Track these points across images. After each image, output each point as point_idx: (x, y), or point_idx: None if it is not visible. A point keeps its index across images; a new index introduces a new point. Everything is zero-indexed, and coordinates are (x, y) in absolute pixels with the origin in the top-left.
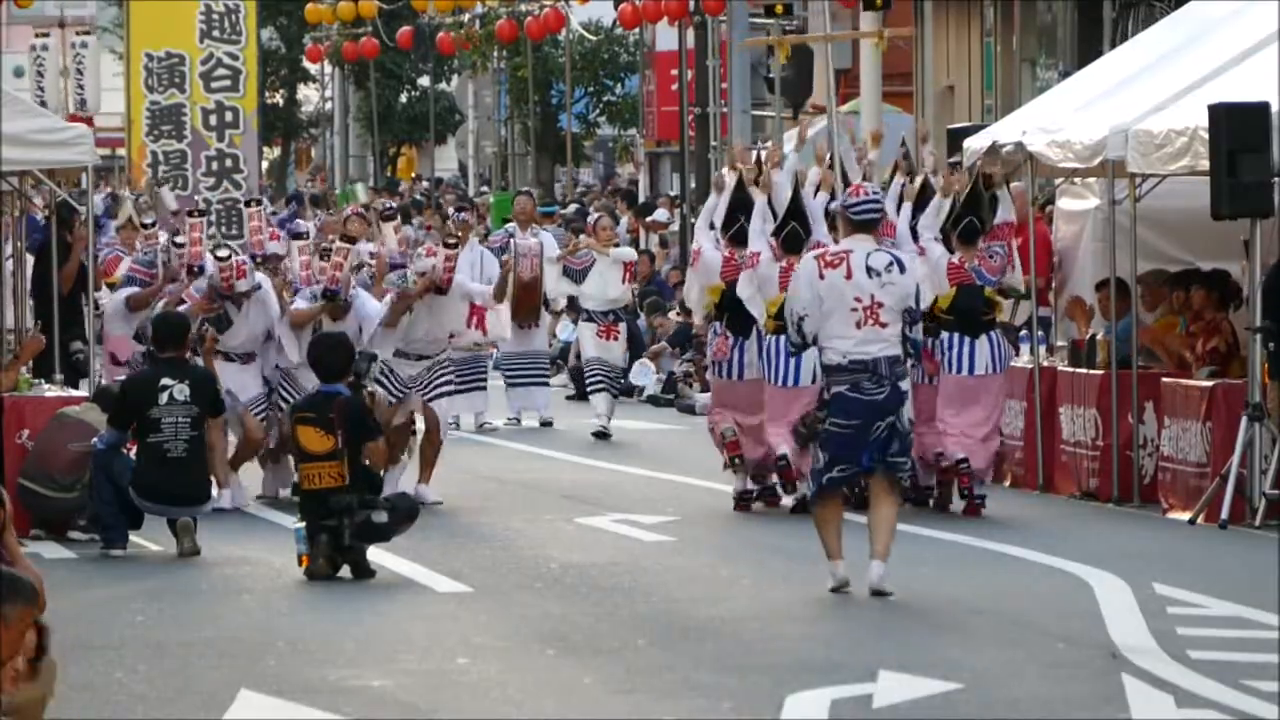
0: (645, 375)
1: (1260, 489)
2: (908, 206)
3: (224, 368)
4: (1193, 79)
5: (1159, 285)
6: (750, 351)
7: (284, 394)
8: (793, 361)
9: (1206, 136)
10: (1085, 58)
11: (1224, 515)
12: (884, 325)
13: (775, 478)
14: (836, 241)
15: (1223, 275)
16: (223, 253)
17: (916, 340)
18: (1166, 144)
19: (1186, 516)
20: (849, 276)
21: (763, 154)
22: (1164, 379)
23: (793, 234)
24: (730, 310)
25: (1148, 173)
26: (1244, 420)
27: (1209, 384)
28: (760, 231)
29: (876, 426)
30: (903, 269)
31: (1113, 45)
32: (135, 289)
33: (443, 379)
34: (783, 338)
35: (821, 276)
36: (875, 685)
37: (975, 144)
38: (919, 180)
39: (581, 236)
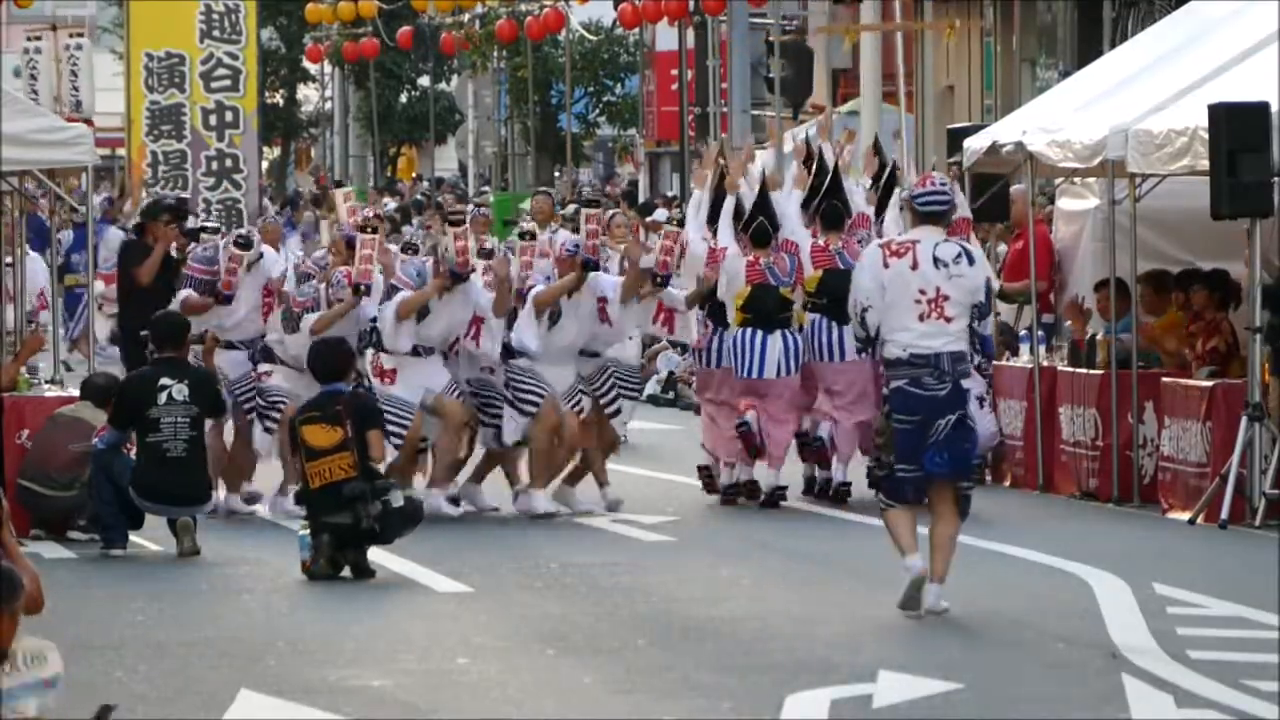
0: (670, 363)
1: (1260, 489)
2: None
3: (413, 363)
4: (1193, 79)
5: (1159, 285)
6: (727, 341)
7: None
8: (758, 354)
9: (1206, 136)
10: (1085, 58)
11: (1224, 515)
12: (949, 320)
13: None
14: (815, 238)
15: (1223, 275)
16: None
17: (985, 336)
18: (1166, 144)
19: (1186, 516)
20: (915, 267)
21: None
22: (1164, 379)
23: (760, 229)
24: (711, 300)
25: (1148, 173)
26: (1244, 420)
27: (1209, 384)
28: (727, 225)
29: (937, 425)
30: (971, 261)
31: (1113, 45)
32: (191, 291)
33: (612, 392)
34: (749, 330)
35: (886, 265)
36: (875, 685)
37: (975, 144)
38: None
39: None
